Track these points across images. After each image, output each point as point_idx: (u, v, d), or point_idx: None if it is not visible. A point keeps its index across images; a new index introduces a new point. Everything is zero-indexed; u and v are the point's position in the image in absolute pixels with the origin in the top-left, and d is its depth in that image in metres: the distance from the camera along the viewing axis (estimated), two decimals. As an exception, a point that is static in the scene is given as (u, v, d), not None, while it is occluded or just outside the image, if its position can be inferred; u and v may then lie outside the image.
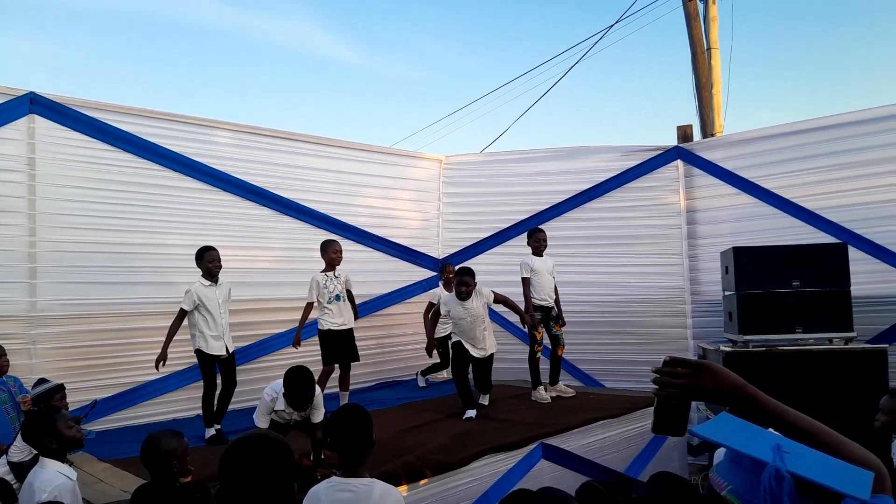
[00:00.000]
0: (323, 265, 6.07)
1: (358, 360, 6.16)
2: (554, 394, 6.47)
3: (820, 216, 7.01)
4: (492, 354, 5.92)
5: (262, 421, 4.21)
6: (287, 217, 7.27)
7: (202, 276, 5.30)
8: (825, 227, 6.96)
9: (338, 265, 6.06)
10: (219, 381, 5.36)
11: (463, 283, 5.59)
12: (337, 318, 5.96)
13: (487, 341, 5.84)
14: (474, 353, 5.77)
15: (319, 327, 6.02)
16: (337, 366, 6.03)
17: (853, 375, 5.59)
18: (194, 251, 5.38)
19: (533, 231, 6.60)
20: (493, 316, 6.54)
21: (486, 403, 6.08)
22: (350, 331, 6.05)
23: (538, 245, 6.48)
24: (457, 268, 6.03)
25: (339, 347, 5.97)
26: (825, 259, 6.00)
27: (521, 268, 6.36)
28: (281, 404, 4.16)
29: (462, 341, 5.76)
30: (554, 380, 6.59)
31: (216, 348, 5.25)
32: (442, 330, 7.03)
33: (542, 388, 6.41)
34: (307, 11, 32.71)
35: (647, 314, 7.86)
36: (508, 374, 7.32)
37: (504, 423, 5.50)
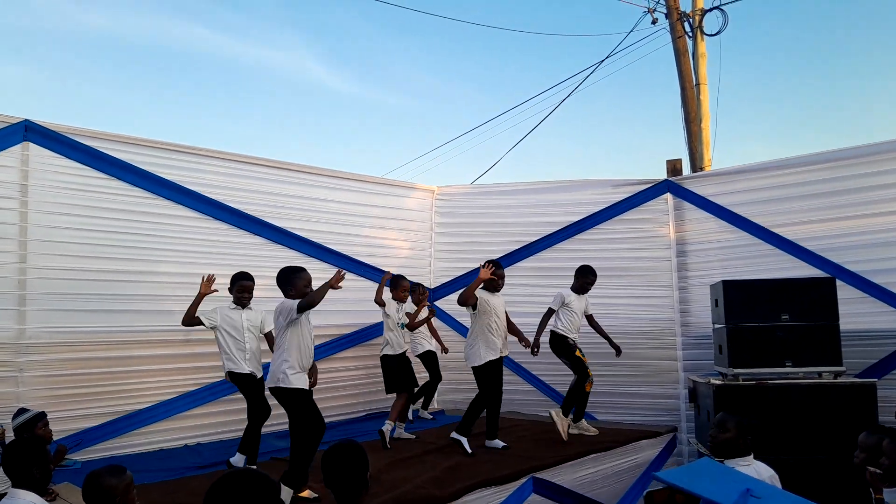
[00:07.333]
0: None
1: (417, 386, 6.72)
2: (572, 430, 6.39)
3: (808, 250, 7.07)
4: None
5: None
6: (279, 245, 7.25)
7: (233, 300, 5.24)
8: (813, 260, 7.02)
9: (403, 303, 6.60)
10: None
11: (501, 276, 6.02)
12: (401, 344, 6.49)
13: None
14: (499, 353, 5.95)
15: (382, 353, 6.50)
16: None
17: (842, 410, 5.61)
18: (185, 279, 5.36)
19: (584, 270, 6.59)
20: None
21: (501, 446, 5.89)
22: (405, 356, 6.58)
23: (584, 287, 6.56)
24: (486, 260, 6.05)
25: (400, 372, 6.38)
26: (813, 293, 6.05)
27: (554, 298, 6.51)
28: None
29: (493, 353, 5.86)
30: (566, 413, 6.52)
31: (242, 367, 5.09)
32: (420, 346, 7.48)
33: (583, 421, 6.48)
34: (300, 41, 32.99)
35: (637, 346, 7.81)
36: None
37: (495, 455, 5.47)
